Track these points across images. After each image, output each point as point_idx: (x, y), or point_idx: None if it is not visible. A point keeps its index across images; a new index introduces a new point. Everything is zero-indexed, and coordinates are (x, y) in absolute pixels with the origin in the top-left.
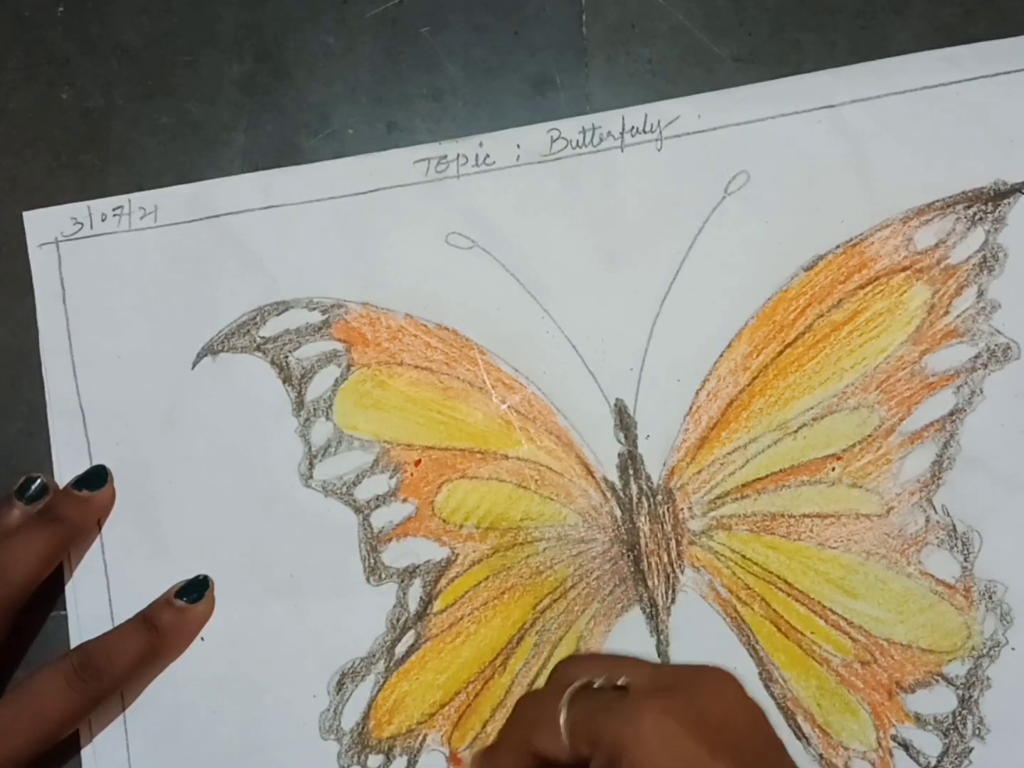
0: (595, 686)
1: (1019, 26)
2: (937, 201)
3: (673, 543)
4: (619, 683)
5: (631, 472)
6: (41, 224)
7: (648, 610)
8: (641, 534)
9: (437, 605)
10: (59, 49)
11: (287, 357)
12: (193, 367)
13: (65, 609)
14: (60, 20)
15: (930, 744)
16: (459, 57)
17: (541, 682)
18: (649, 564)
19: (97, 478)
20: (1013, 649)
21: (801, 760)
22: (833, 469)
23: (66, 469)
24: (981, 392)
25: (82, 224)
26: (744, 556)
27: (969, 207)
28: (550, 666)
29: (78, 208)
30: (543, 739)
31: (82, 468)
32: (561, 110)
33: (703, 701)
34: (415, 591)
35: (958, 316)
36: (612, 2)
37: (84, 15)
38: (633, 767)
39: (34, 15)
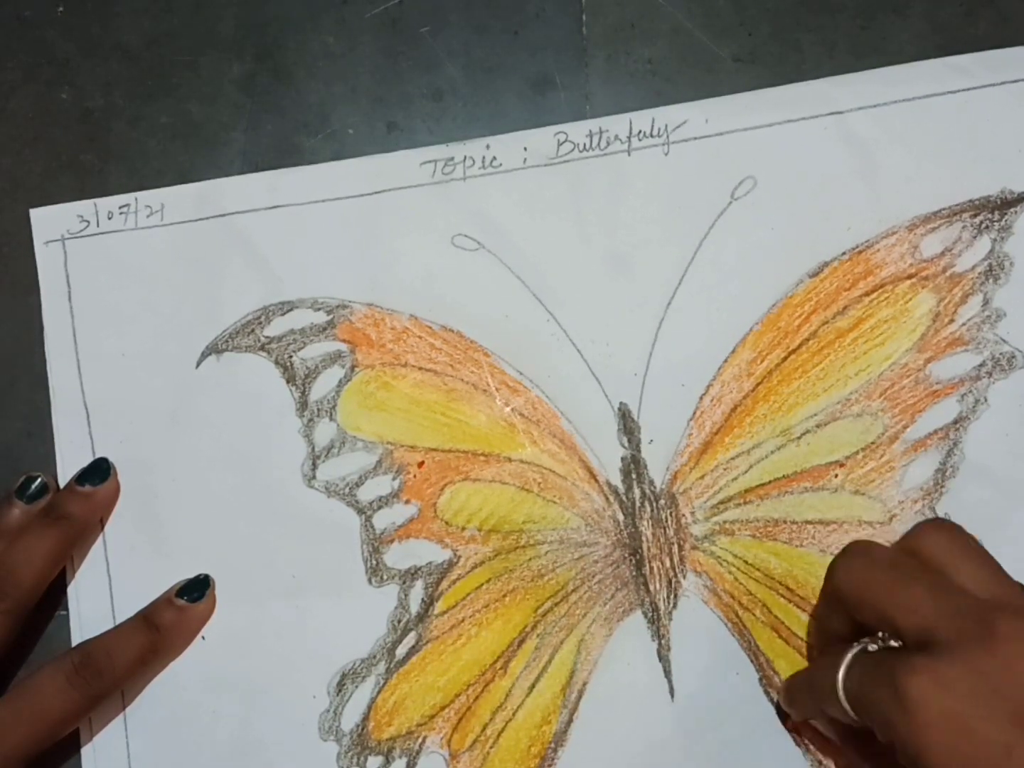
0: (870, 649)
1: (1019, 26)
2: (943, 209)
3: (675, 548)
4: (892, 644)
5: (634, 476)
6: (47, 221)
7: (650, 615)
8: (643, 538)
9: (438, 607)
10: (59, 49)
11: (291, 357)
12: (197, 366)
13: (67, 608)
14: (60, 20)
15: None
16: (459, 57)
17: (542, 685)
18: (651, 568)
19: (99, 471)
20: None
21: (799, 766)
22: (836, 476)
23: (69, 467)
24: (985, 401)
25: (88, 222)
26: (746, 561)
27: (975, 215)
28: (550, 670)
29: (84, 206)
30: (833, 709)
31: None
32: (561, 110)
33: (987, 658)
34: (416, 593)
35: (963, 324)
36: (612, 2)
37: (84, 15)
38: (907, 749)
39: (34, 15)
